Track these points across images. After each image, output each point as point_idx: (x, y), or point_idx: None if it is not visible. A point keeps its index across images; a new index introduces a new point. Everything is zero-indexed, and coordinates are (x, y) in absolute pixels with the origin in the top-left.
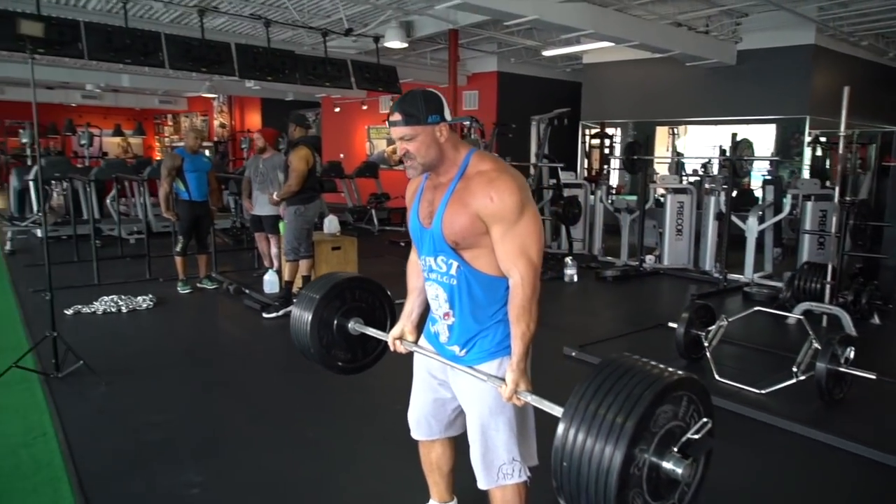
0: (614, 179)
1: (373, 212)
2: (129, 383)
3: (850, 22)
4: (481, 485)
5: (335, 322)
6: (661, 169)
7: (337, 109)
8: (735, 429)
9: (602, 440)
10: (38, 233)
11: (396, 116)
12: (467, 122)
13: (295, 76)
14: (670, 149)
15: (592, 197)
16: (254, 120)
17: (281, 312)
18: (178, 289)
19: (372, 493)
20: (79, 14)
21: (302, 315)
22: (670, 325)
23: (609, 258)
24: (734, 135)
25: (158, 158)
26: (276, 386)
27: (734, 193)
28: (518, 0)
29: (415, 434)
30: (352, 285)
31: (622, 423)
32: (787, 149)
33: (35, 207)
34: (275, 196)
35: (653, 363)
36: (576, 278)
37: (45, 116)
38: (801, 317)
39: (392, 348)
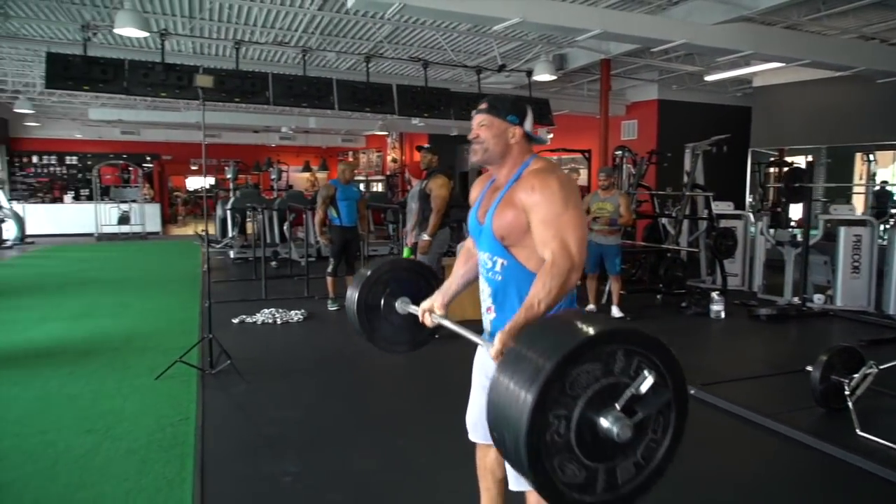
0: (797, 212)
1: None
2: (265, 383)
3: None
4: (511, 486)
5: (382, 300)
6: (859, 200)
7: None
8: (868, 490)
9: (512, 406)
10: (231, 254)
11: (483, 105)
12: (618, 153)
13: (450, 112)
14: (864, 176)
15: (753, 229)
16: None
17: None
18: (328, 306)
19: (437, 501)
20: (267, 67)
21: (352, 293)
22: (807, 368)
23: (770, 297)
24: None
25: None
26: (386, 397)
27: None
28: (665, 25)
29: (471, 436)
30: (403, 266)
31: (524, 395)
32: None
33: (230, 233)
34: (425, 235)
35: (593, 318)
36: (723, 315)
37: (250, 155)
38: None
39: (420, 318)
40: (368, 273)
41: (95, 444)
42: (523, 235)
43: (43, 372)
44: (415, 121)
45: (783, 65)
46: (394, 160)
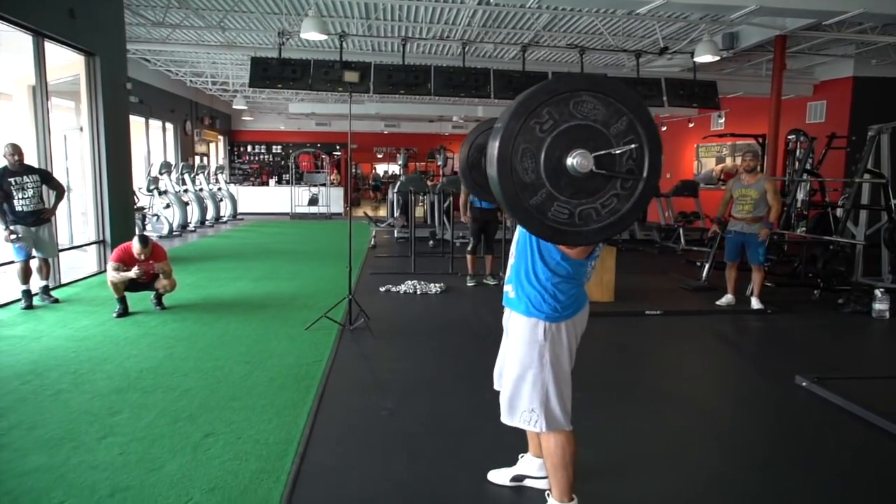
0: None
1: (680, 230)
2: (390, 340)
3: None
4: (504, 419)
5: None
6: None
7: (664, 128)
8: None
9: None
10: (395, 233)
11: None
12: (791, 137)
13: None
14: None
15: None
16: None
17: None
18: (467, 282)
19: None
20: (430, 59)
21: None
22: None
23: None
24: None
25: None
26: (488, 358)
27: None
28: None
29: (496, 386)
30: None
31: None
32: None
33: (396, 214)
34: None
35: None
36: (886, 315)
37: (425, 143)
38: None
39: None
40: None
41: (249, 371)
42: None
43: (225, 317)
44: None
45: None
46: None
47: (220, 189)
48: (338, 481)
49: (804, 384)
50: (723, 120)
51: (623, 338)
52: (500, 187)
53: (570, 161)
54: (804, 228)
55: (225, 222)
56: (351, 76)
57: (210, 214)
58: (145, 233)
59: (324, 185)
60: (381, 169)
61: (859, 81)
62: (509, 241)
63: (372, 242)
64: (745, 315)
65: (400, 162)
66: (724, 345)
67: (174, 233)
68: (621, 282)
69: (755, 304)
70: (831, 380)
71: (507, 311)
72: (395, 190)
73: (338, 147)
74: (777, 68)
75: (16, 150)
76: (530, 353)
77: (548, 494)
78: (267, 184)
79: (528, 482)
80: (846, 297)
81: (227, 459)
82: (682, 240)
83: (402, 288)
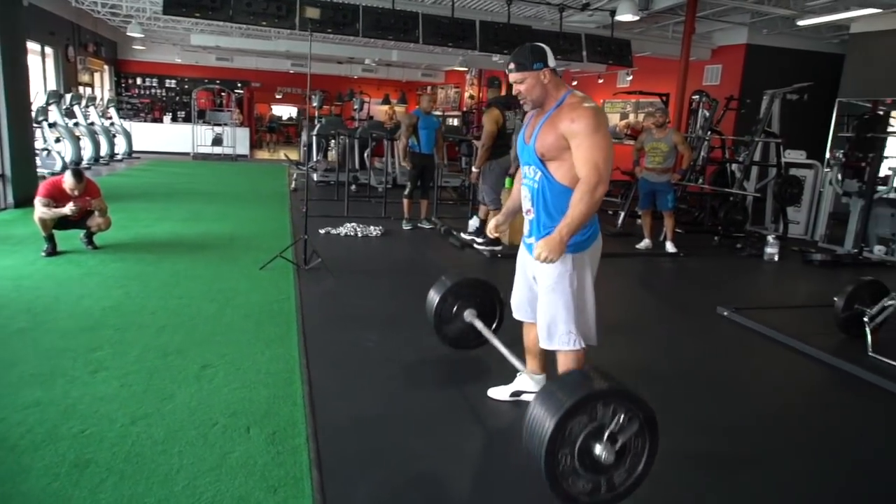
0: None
1: None
2: (350, 280)
3: None
4: (544, 345)
5: (455, 307)
6: None
7: (574, 83)
8: (872, 399)
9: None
10: (315, 177)
11: (511, 66)
12: (695, 97)
13: None
14: None
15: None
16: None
17: (487, 248)
18: (403, 225)
19: (485, 366)
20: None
21: (434, 295)
22: (834, 298)
23: (831, 246)
24: None
25: None
26: None
27: None
28: None
29: (516, 315)
30: (475, 284)
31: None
32: None
33: (314, 157)
34: (473, 168)
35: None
36: (776, 258)
37: (333, 86)
38: None
39: (489, 230)
40: (451, 283)
41: (220, 309)
42: (559, 152)
43: (169, 257)
44: (495, 58)
45: (883, 10)
46: (471, 97)
47: (112, 124)
48: (349, 402)
49: (725, 314)
50: (630, 78)
51: None
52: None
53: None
54: (702, 182)
55: (120, 160)
56: (312, 12)
57: (104, 151)
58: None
59: (227, 124)
60: (279, 110)
61: (751, 48)
62: (447, 187)
63: (293, 186)
64: (661, 258)
65: (315, 104)
66: (649, 283)
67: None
68: None
69: (670, 247)
70: (746, 309)
71: (527, 256)
72: (315, 132)
73: (239, 84)
74: (687, 31)
75: None
76: (561, 283)
77: None
78: (161, 120)
79: (525, 397)
80: (743, 243)
81: (235, 388)
82: None
83: (342, 230)
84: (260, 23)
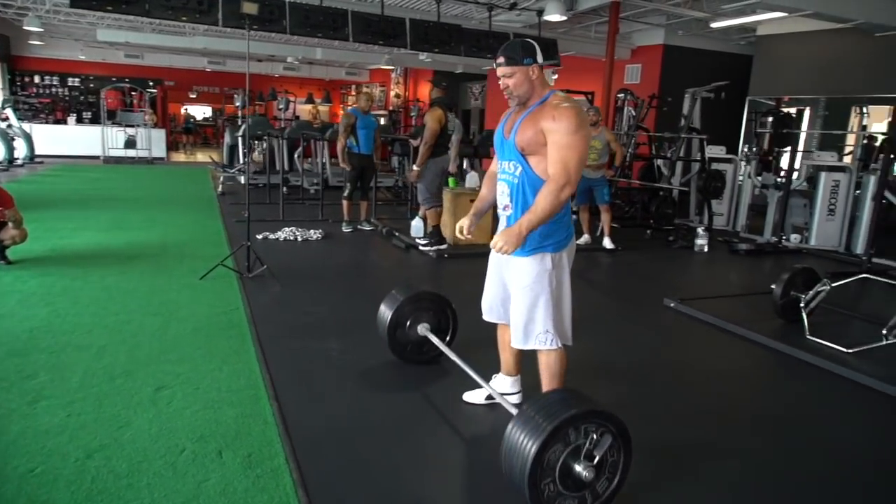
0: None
1: (478, 175)
2: (297, 286)
3: None
4: (518, 345)
5: (408, 322)
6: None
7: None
8: (813, 377)
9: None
10: (242, 179)
11: (500, 59)
12: (621, 96)
13: (460, 48)
14: (856, 129)
15: (742, 174)
16: (425, 91)
17: (433, 248)
18: (343, 228)
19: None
20: None
21: (385, 311)
22: (771, 287)
23: (751, 236)
24: (894, 109)
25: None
26: None
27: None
28: None
29: (487, 317)
30: (428, 297)
31: (530, 449)
32: None
33: (241, 159)
34: (414, 167)
35: (584, 397)
36: (706, 249)
37: (252, 85)
38: None
39: (458, 231)
40: (403, 297)
41: (164, 324)
42: (538, 148)
43: (96, 270)
44: (422, 56)
45: (787, 14)
46: (397, 95)
47: (10, 126)
48: (322, 416)
49: (672, 305)
50: (556, 77)
51: None
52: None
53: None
54: (630, 178)
55: (21, 165)
56: (250, 7)
57: (2, 155)
58: None
59: (141, 125)
60: (192, 111)
61: (668, 49)
62: (380, 188)
63: (219, 189)
64: (600, 253)
65: (238, 103)
66: (595, 278)
67: None
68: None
69: (607, 243)
70: (691, 300)
71: (502, 258)
72: (240, 133)
73: (151, 83)
74: (611, 32)
75: None
76: (540, 282)
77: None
78: (64, 122)
79: (501, 399)
80: (675, 235)
81: (197, 410)
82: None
83: (281, 235)
84: (180, 18)
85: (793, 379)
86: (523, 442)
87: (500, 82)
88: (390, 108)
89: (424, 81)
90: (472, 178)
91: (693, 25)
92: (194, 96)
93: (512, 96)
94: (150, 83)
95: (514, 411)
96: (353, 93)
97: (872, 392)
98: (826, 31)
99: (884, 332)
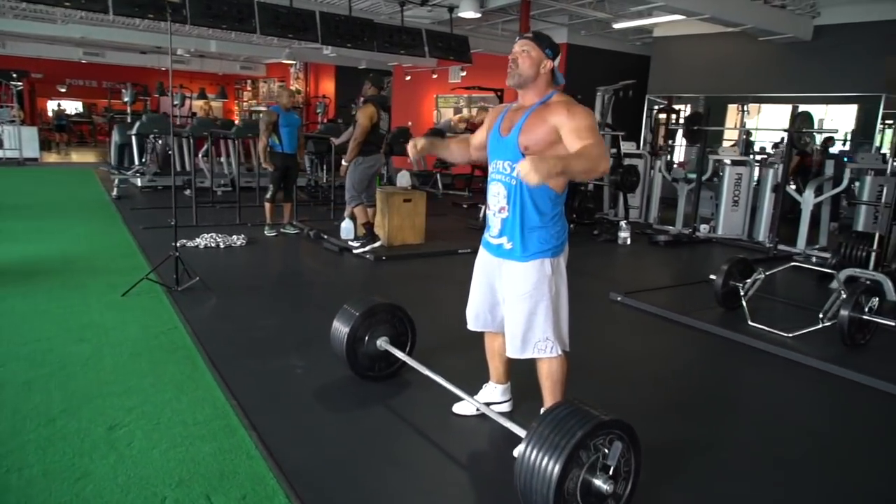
0: (679, 155)
1: (437, 176)
2: (235, 299)
3: None
4: (515, 355)
5: (366, 337)
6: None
7: (408, 78)
8: (760, 361)
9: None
10: (139, 182)
11: (528, 35)
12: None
13: (373, 44)
14: (739, 126)
15: (652, 169)
16: (328, 87)
17: (367, 248)
18: (265, 232)
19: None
20: None
21: (341, 328)
22: (711, 277)
23: (664, 227)
24: (794, 107)
25: (238, 121)
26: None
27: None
28: None
29: (473, 326)
30: (384, 309)
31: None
32: (869, 127)
33: (136, 160)
34: (343, 162)
35: (587, 410)
36: (629, 241)
37: (136, 78)
38: (834, 272)
39: (410, 145)
40: (359, 312)
41: (95, 350)
42: (547, 147)
43: None
44: (326, 51)
45: (682, 18)
46: (298, 91)
47: None
48: (309, 442)
49: (619, 298)
50: (465, 73)
51: (458, 274)
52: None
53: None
54: None
55: None
56: None
57: None
58: None
59: (10, 122)
60: (67, 106)
61: (572, 48)
62: (306, 188)
63: (114, 193)
64: None
65: (127, 98)
66: None
67: None
68: (431, 227)
69: None
70: (635, 293)
71: (490, 259)
72: (135, 131)
73: (14, 75)
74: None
75: None
76: (539, 289)
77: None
78: None
79: (493, 408)
80: (599, 229)
81: (166, 449)
82: (440, 185)
83: (201, 242)
84: (62, 4)
85: (742, 362)
86: (539, 477)
87: (511, 54)
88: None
89: (327, 77)
90: (402, 178)
91: (594, 26)
92: (64, 90)
93: (513, 72)
94: (14, 75)
95: (520, 432)
96: (249, 88)
97: (816, 371)
98: (717, 34)
99: (820, 315)
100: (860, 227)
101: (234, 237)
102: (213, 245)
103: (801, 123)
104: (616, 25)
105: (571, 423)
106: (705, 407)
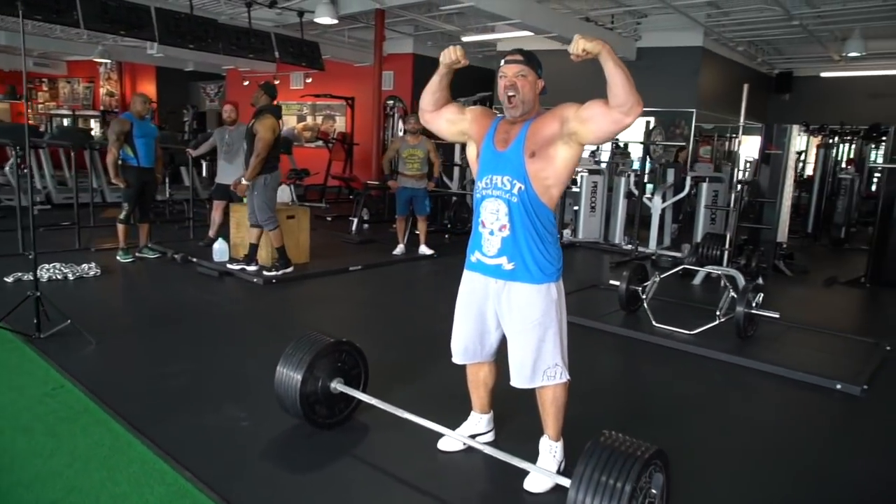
0: None
1: (291, 188)
2: (117, 342)
3: (729, 29)
4: (523, 384)
5: (319, 383)
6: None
7: (246, 83)
8: (672, 359)
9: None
10: None
11: (518, 56)
12: (390, 102)
13: (218, 46)
14: None
15: None
16: (147, 89)
17: (281, 272)
18: (119, 258)
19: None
20: None
21: (290, 377)
22: (612, 282)
23: None
24: (648, 122)
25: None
26: (270, 339)
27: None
28: None
29: (460, 359)
30: (332, 348)
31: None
32: (670, 137)
33: None
34: (243, 180)
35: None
36: None
37: None
38: (729, 273)
39: (453, 51)
40: (310, 357)
41: None
42: (547, 145)
43: None
44: (150, 50)
45: (525, 34)
46: (110, 94)
47: None
48: (282, 500)
49: None
50: (310, 80)
51: (361, 295)
52: None
53: None
54: None
55: None
56: None
57: None
58: None
59: None
60: None
61: (418, 58)
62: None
63: None
64: (421, 260)
65: None
66: (436, 285)
67: None
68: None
69: (424, 249)
70: None
71: (484, 283)
72: None
73: None
74: (378, 39)
75: None
76: (548, 315)
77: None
78: None
79: (479, 439)
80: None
81: None
82: (294, 197)
83: (44, 274)
84: None
85: (655, 360)
86: None
87: (505, 80)
88: (101, 108)
89: (146, 79)
90: (283, 193)
91: (439, 37)
92: None
93: (515, 100)
94: None
95: (527, 466)
96: (45, 88)
97: (717, 363)
98: (554, 50)
99: (717, 313)
100: (700, 228)
101: (84, 266)
102: (58, 277)
103: (655, 136)
104: (465, 38)
105: (620, 464)
106: (644, 409)
